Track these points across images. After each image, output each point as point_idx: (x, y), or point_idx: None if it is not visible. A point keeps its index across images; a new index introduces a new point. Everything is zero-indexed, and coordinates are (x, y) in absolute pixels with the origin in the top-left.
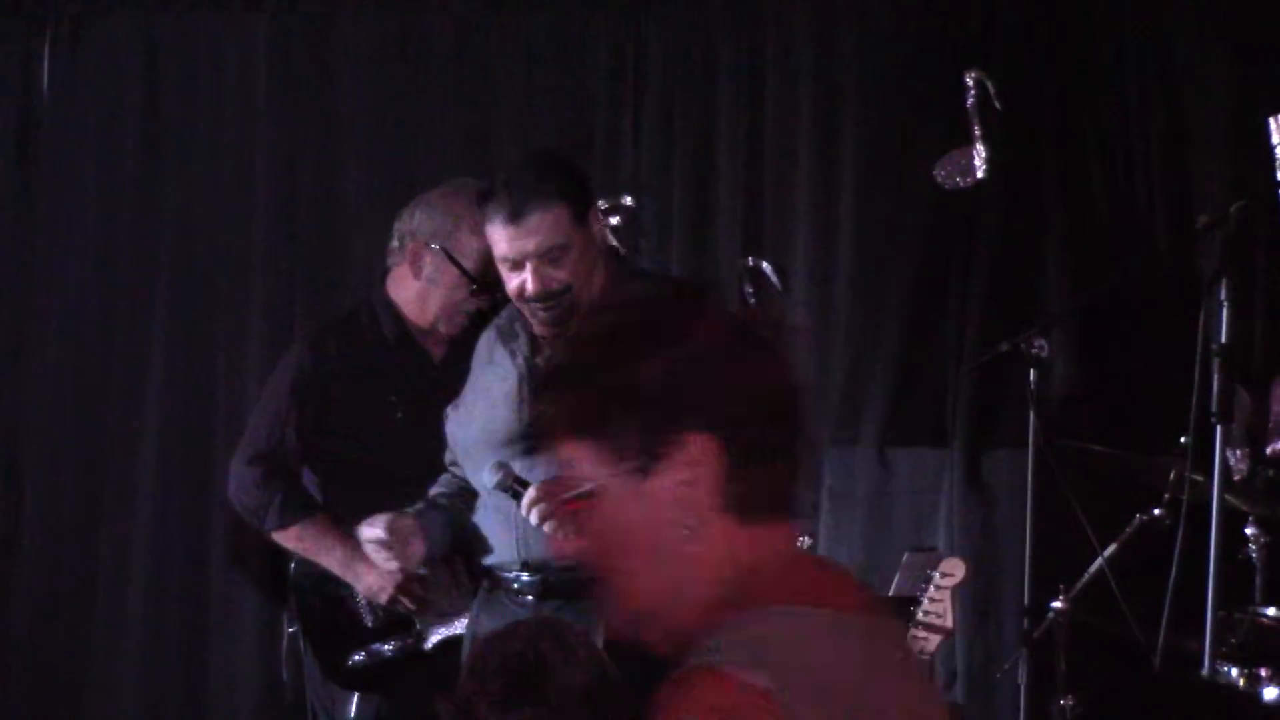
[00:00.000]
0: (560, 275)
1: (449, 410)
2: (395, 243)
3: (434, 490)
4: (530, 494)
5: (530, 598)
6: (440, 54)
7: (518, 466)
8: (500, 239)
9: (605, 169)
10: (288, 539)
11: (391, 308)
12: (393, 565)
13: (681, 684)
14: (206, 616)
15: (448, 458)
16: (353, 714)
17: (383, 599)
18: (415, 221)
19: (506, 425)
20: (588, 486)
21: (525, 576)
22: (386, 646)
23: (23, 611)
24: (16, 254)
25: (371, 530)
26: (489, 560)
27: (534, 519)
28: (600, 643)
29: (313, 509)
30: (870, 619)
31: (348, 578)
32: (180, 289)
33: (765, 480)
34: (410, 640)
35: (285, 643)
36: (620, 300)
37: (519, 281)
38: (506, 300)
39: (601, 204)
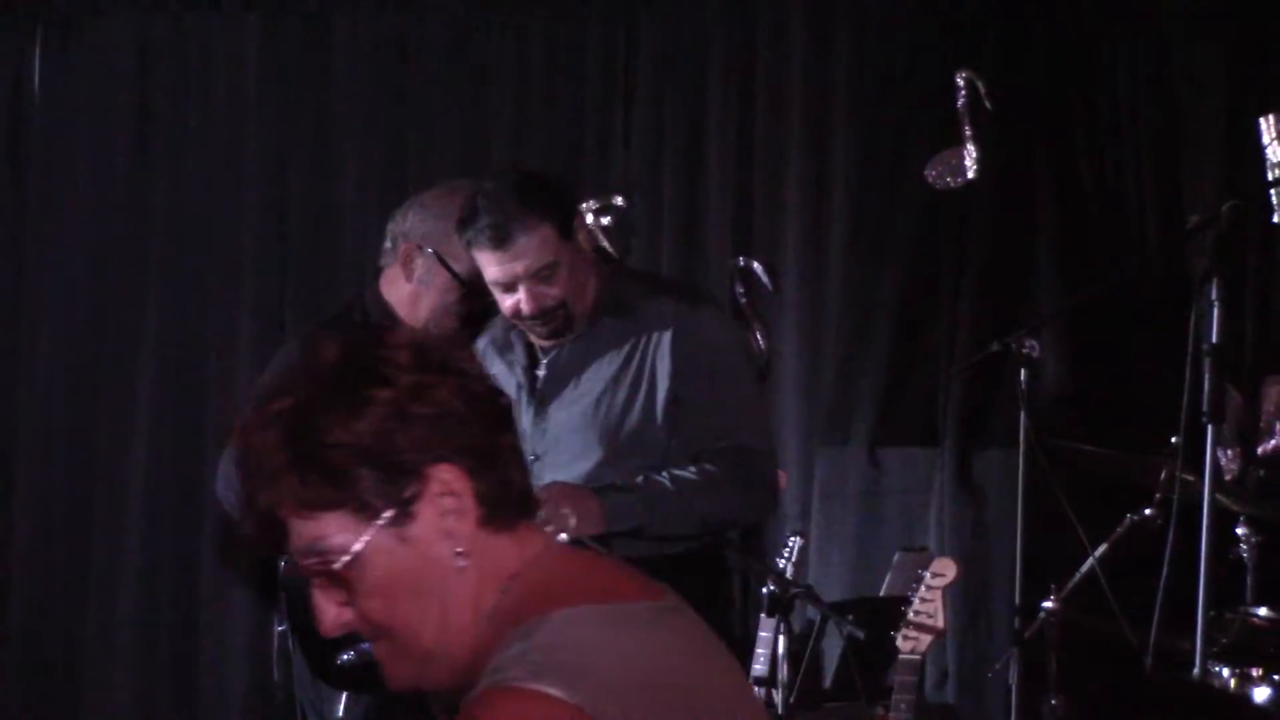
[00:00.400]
0: (553, 292)
1: None
2: (388, 243)
3: None
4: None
5: None
6: (433, 54)
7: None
8: (488, 264)
9: (596, 169)
10: None
11: (384, 308)
12: None
13: (475, 709)
14: (197, 615)
15: None
16: (341, 714)
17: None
18: (408, 223)
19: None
20: (353, 551)
21: None
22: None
23: (14, 610)
24: (8, 253)
25: None
26: None
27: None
28: None
29: None
30: (656, 603)
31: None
32: (171, 288)
33: (507, 485)
34: None
35: (275, 642)
36: (295, 376)
37: (513, 301)
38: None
39: (592, 204)
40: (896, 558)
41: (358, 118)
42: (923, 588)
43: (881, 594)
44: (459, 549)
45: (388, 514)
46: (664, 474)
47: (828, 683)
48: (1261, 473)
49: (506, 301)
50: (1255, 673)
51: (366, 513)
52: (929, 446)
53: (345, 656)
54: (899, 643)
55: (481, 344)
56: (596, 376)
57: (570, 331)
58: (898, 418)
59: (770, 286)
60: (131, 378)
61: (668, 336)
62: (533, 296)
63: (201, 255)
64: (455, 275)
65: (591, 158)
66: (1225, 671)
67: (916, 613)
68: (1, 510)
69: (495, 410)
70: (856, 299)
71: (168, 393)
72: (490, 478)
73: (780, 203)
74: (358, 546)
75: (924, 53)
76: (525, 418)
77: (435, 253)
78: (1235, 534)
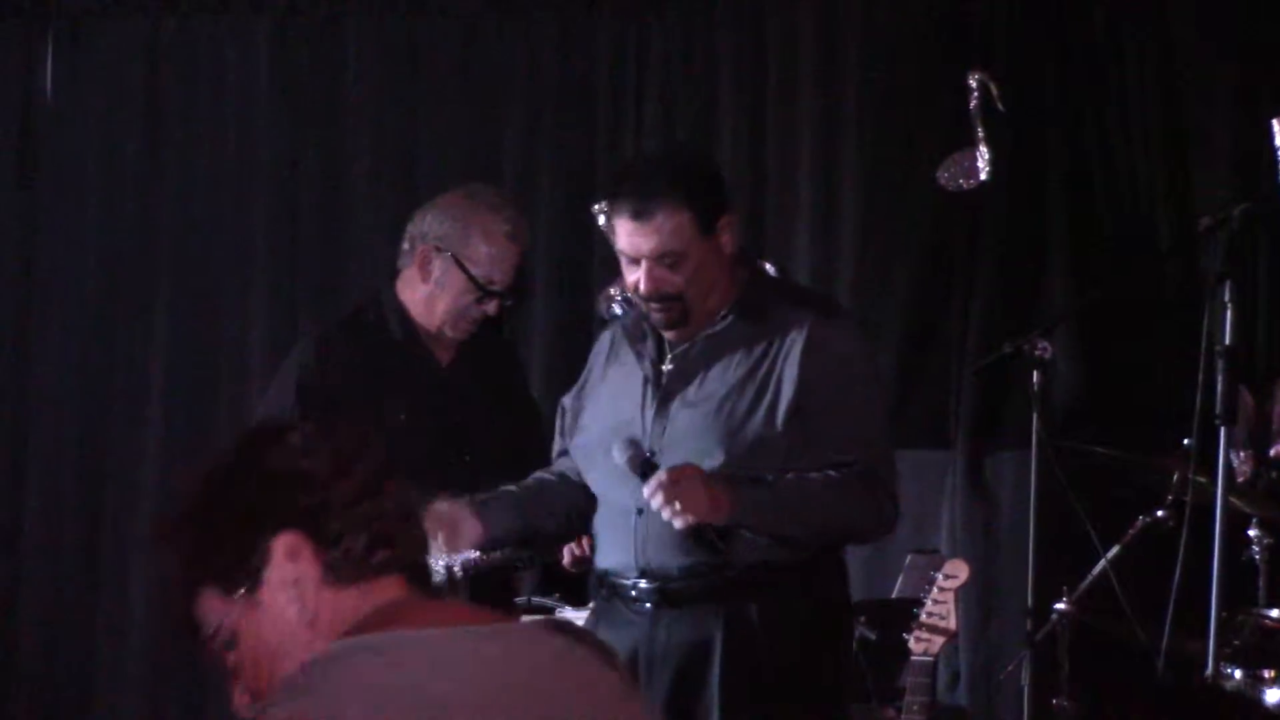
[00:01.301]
0: (674, 280)
1: (566, 401)
2: (406, 245)
3: (510, 487)
4: (660, 476)
5: (648, 605)
6: (444, 57)
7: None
8: (621, 232)
9: (607, 168)
10: None
11: (400, 309)
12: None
13: None
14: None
15: (558, 446)
16: None
17: None
18: (426, 224)
19: (631, 425)
20: (226, 628)
21: (643, 584)
22: None
23: (26, 608)
24: (20, 255)
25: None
26: (605, 565)
27: (656, 503)
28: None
29: None
30: (486, 626)
31: None
32: (182, 290)
33: (360, 543)
34: None
35: None
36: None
37: (635, 277)
38: (514, 308)
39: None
40: (908, 559)
41: (368, 120)
42: (935, 589)
43: (893, 596)
44: (306, 607)
45: (241, 588)
46: (790, 476)
47: None
48: (1274, 474)
49: (630, 275)
50: (1267, 674)
51: (227, 590)
52: (941, 448)
53: None
54: (911, 644)
55: (611, 334)
56: (722, 378)
57: (685, 325)
58: (909, 419)
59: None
60: (142, 379)
61: (799, 346)
62: (652, 278)
63: (211, 257)
64: (472, 278)
65: (603, 160)
66: (1237, 673)
67: (929, 614)
68: (12, 512)
69: (344, 468)
70: (868, 301)
71: (179, 394)
72: (336, 539)
73: (791, 204)
74: (226, 620)
75: (935, 54)
76: (648, 413)
77: (453, 255)
78: (1247, 536)
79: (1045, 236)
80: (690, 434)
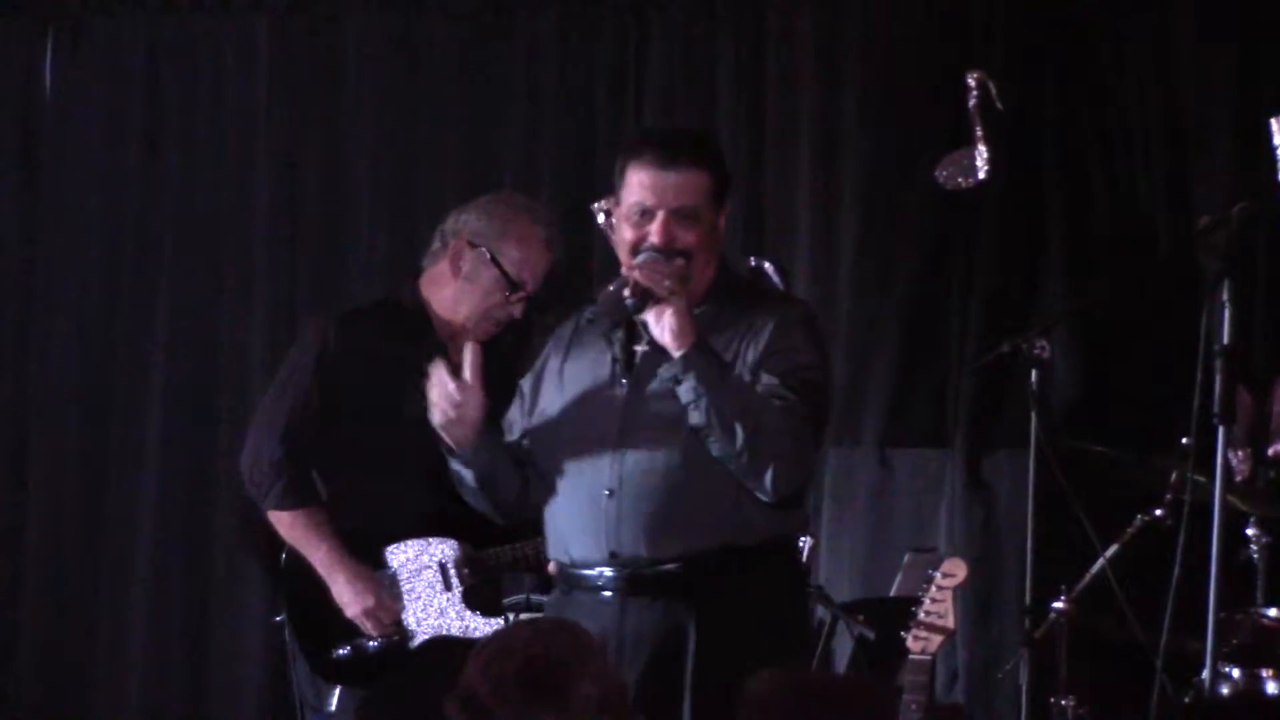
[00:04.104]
0: (686, 238)
1: (524, 385)
2: (437, 242)
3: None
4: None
5: (611, 594)
6: (443, 54)
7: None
8: (644, 182)
9: (607, 169)
10: (281, 522)
11: (422, 306)
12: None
13: None
14: (209, 612)
15: (517, 430)
16: (334, 707)
17: (349, 613)
18: (462, 221)
19: (600, 405)
20: None
21: (609, 571)
22: (372, 641)
23: (28, 607)
24: (21, 253)
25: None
26: (566, 556)
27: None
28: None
29: (313, 500)
30: None
31: (326, 579)
32: (182, 287)
33: None
34: (396, 636)
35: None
36: None
37: (644, 231)
38: (536, 314)
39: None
40: (906, 558)
41: (368, 118)
42: (933, 588)
43: (891, 594)
44: None
45: None
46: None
47: None
48: (1272, 474)
49: (639, 230)
50: (1265, 673)
51: None
52: (939, 447)
53: (340, 650)
54: (909, 643)
55: (572, 322)
56: (688, 344)
57: (673, 284)
58: (908, 418)
59: (782, 287)
60: (144, 376)
61: (766, 332)
62: (666, 229)
63: (212, 255)
64: (504, 273)
65: (602, 158)
66: (1235, 672)
67: (927, 613)
68: (15, 508)
69: None
70: (867, 300)
71: (180, 390)
72: None
73: (791, 203)
74: None
75: (934, 53)
76: (619, 392)
77: (487, 251)
78: (1245, 535)
79: (1044, 236)
80: (661, 414)
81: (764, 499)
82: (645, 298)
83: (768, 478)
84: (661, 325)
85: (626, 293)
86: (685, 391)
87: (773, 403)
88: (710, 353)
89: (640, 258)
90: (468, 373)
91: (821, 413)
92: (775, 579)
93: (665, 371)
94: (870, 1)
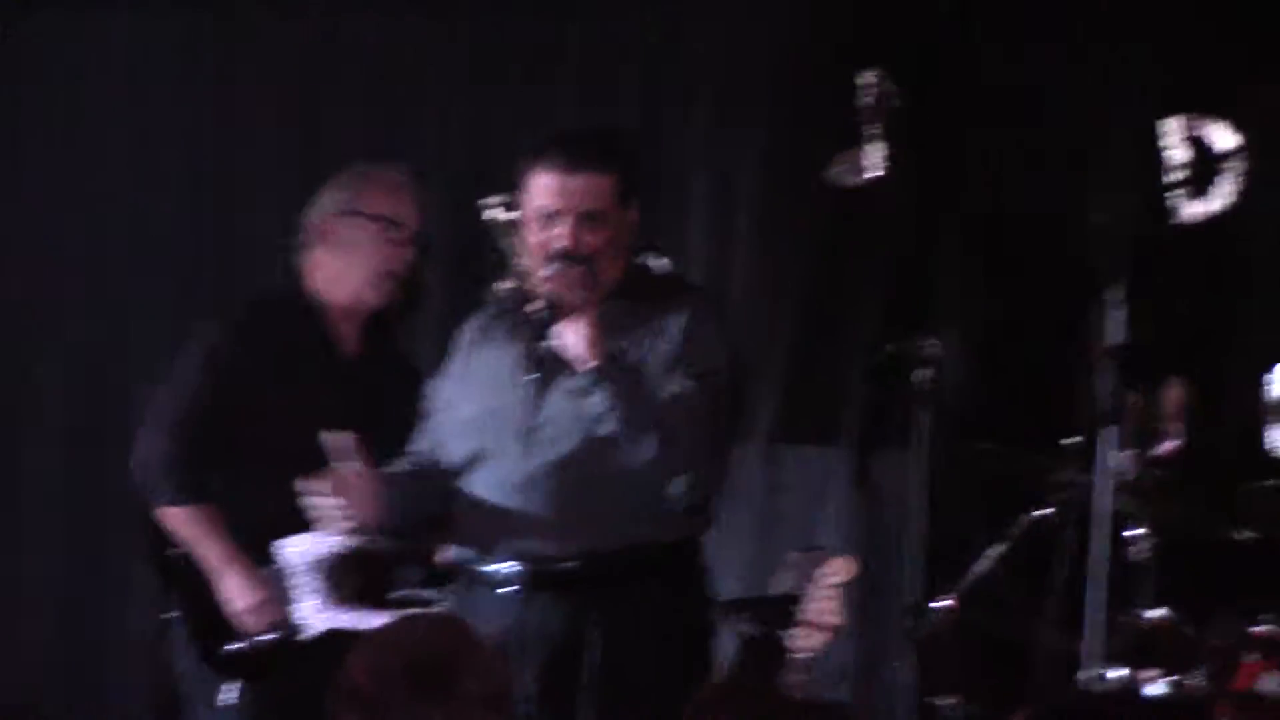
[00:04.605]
0: (592, 240)
1: (432, 384)
2: (303, 235)
3: (394, 468)
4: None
5: (514, 590)
6: (349, 51)
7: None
8: (548, 188)
9: (506, 162)
10: (172, 520)
11: (308, 298)
12: (338, 522)
13: None
14: (97, 608)
15: (422, 445)
16: (226, 702)
17: (234, 610)
18: (318, 205)
19: (509, 401)
20: None
21: (513, 566)
22: (263, 636)
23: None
24: None
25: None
26: (465, 553)
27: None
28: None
29: (203, 497)
30: None
31: (214, 576)
32: (82, 292)
33: None
34: (284, 632)
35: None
36: None
37: (548, 235)
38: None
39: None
40: (793, 556)
41: (271, 115)
42: (819, 586)
43: (777, 592)
44: None
45: None
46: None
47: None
48: (1158, 474)
49: (545, 233)
50: (1148, 674)
51: None
52: (829, 445)
53: (233, 646)
54: (794, 642)
55: (479, 321)
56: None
57: (589, 290)
58: (798, 416)
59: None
60: (36, 374)
61: (677, 329)
62: (573, 234)
63: (112, 257)
64: (378, 217)
65: (501, 151)
66: (1120, 673)
67: (812, 611)
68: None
69: None
70: (760, 296)
71: (73, 387)
72: None
73: (686, 198)
74: None
75: (829, 52)
76: (527, 388)
77: (353, 210)
78: (1131, 536)
79: (938, 234)
80: (568, 412)
81: (673, 505)
82: (557, 309)
83: (679, 485)
84: (573, 336)
85: (538, 305)
86: (596, 403)
87: (685, 410)
88: (622, 364)
89: (549, 268)
90: (347, 467)
91: (735, 417)
92: (678, 582)
93: (576, 383)
94: (767, 0)
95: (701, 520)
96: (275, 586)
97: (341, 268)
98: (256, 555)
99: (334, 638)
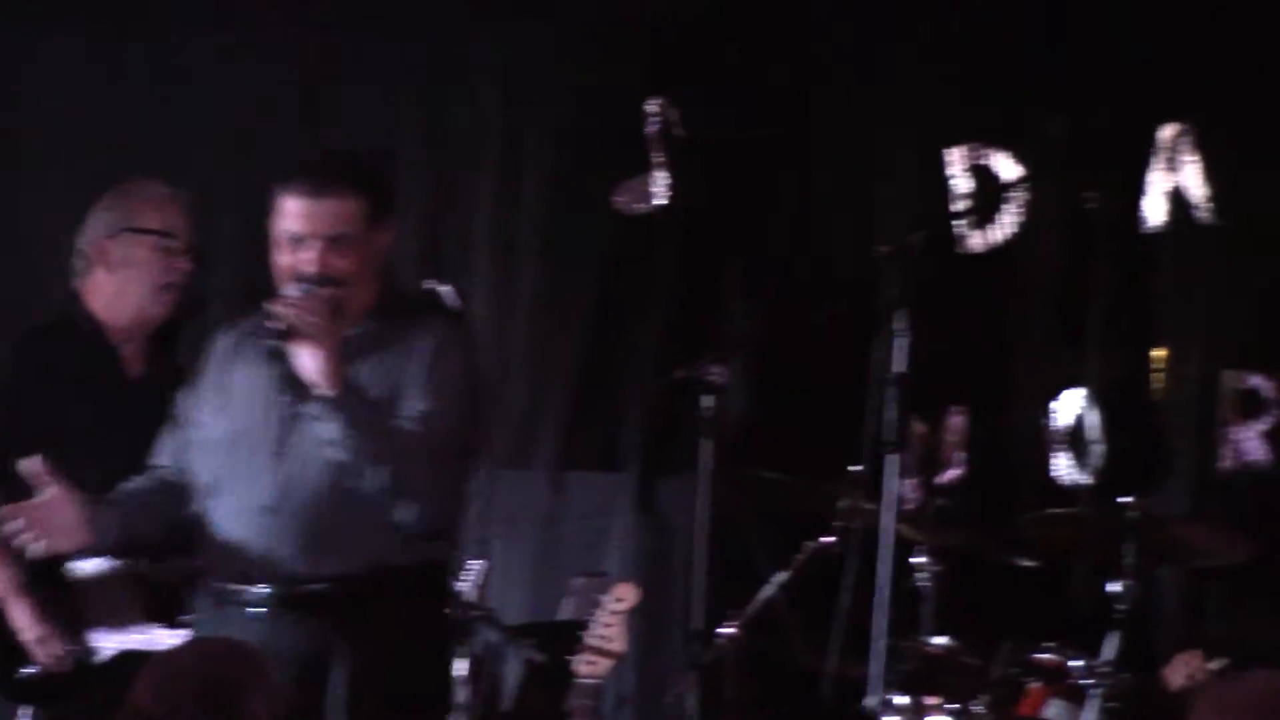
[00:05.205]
0: (341, 265)
1: (182, 401)
2: (78, 261)
3: (130, 485)
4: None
5: (262, 610)
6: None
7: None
8: (295, 213)
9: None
10: None
11: (89, 320)
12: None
13: None
14: None
15: (166, 459)
16: None
17: (24, 639)
18: (88, 230)
19: (260, 421)
20: None
21: (262, 588)
22: (54, 662)
23: None
24: None
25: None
26: (216, 573)
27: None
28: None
29: None
30: None
31: (3, 608)
32: None
33: None
34: (82, 652)
35: None
36: None
37: (295, 260)
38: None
39: None
40: (577, 582)
41: (59, 130)
42: (603, 612)
43: (561, 618)
44: None
45: None
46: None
47: (506, 706)
48: (941, 502)
49: (293, 256)
50: (931, 701)
51: None
52: (612, 471)
53: (27, 670)
54: (578, 667)
55: (231, 337)
56: (355, 378)
57: (323, 319)
58: (581, 443)
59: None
60: None
61: (426, 355)
62: (321, 258)
63: None
64: (151, 232)
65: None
66: (903, 700)
67: (596, 637)
68: None
69: None
70: (543, 323)
71: None
72: None
73: (470, 225)
74: None
75: (616, 78)
76: (279, 411)
77: (123, 229)
78: (914, 563)
79: (723, 262)
80: (318, 435)
81: (408, 531)
82: (292, 332)
83: (411, 514)
84: (311, 363)
85: (275, 325)
86: (329, 430)
87: (419, 440)
88: (357, 396)
89: (292, 291)
90: (44, 491)
91: (470, 448)
92: (417, 607)
93: (311, 410)
94: (556, 25)
95: (445, 545)
96: (68, 610)
97: (120, 286)
98: (48, 578)
99: (128, 659)
